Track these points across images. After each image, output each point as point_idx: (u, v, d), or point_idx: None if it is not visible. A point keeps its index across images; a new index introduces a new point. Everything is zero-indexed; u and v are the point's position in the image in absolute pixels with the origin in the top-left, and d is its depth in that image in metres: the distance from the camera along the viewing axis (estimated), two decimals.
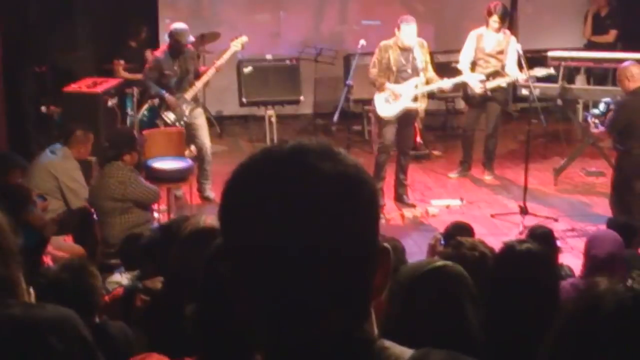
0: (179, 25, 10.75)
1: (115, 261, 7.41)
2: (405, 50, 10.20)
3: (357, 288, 1.53)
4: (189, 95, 10.67)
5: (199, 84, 10.81)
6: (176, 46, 10.61)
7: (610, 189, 9.89)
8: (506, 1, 13.67)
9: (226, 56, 11.05)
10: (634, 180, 9.33)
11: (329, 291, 1.49)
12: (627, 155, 9.31)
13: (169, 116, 10.59)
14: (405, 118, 10.44)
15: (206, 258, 2.68)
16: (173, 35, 10.62)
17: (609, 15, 14.12)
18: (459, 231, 7.02)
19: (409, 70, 10.30)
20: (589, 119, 10.23)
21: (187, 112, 10.64)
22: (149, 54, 12.20)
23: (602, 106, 10.18)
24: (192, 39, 10.80)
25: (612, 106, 9.88)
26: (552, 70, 11.25)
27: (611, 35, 13.98)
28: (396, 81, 10.23)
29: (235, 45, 11.10)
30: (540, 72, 10.85)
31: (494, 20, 11.01)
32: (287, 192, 1.48)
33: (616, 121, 9.34)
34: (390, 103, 10.25)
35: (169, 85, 10.62)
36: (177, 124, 10.58)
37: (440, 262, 3.63)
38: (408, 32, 10.09)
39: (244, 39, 11.14)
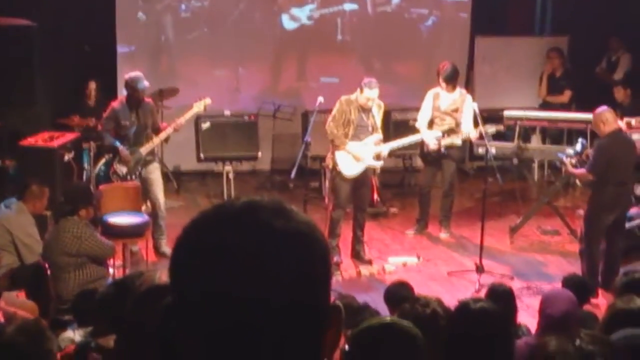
0: (133, 73, 10.69)
1: (69, 317, 7.32)
2: (365, 109, 10.28)
3: (307, 345, 1.52)
4: (144, 150, 10.60)
5: (156, 140, 10.72)
6: (133, 95, 10.51)
7: (581, 226, 10.21)
8: (462, 61, 13.90)
9: (187, 116, 10.96)
10: (604, 213, 9.66)
11: (281, 347, 1.49)
12: (601, 191, 9.67)
13: (121, 169, 10.52)
14: (363, 175, 10.48)
15: (158, 315, 2.66)
16: (128, 83, 10.56)
17: (563, 76, 14.34)
18: (399, 289, 7.07)
19: (369, 128, 10.36)
20: (565, 159, 10.43)
21: (139, 167, 10.57)
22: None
23: (578, 146, 10.55)
24: (146, 84, 10.61)
25: (588, 149, 10.33)
26: (501, 127, 11.38)
27: (566, 96, 14.18)
28: (354, 136, 10.28)
29: (198, 107, 11.01)
30: (490, 128, 10.95)
31: (441, 80, 11.19)
32: (238, 248, 1.48)
33: (598, 163, 9.68)
34: (353, 163, 10.30)
35: (126, 137, 10.55)
36: (128, 177, 10.52)
37: (389, 319, 3.64)
38: (370, 96, 10.17)
39: (207, 101, 11.07)
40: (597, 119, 9.88)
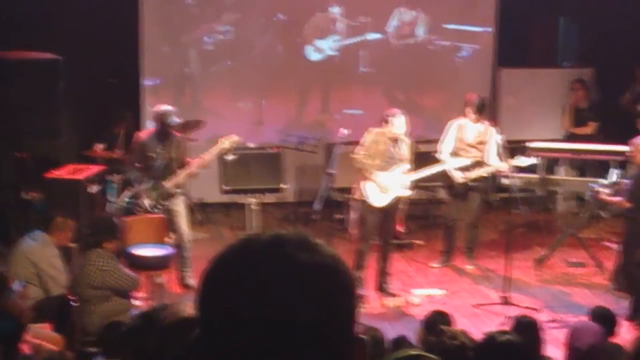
0: (164, 106, 10.73)
1: (94, 349, 7.32)
2: (395, 141, 10.29)
3: None
4: (168, 183, 10.61)
5: (181, 174, 10.72)
6: (162, 128, 10.57)
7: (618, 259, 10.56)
8: (486, 93, 13.89)
9: (213, 151, 10.92)
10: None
11: None
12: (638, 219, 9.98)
13: (145, 202, 10.55)
14: (391, 207, 10.47)
15: (184, 348, 2.66)
16: (158, 116, 10.60)
17: (588, 107, 14.30)
18: (439, 319, 7.02)
19: (398, 160, 10.37)
20: (598, 189, 10.63)
21: (162, 200, 10.58)
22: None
23: (614, 176, 10.95)
24: (176, 120, 10.71)
25: (624, 179, 10.73)
26: (534, 160, 11.36)
27: (590, 128, 14.13)
28: (382, 167, 10.29)
29: (224, 143, 10.96)
30: (524, 161, 10.96)
31: (469, 111, 11.18)
32: (264, 282, 1.48)
33: (636, 191, 9.93)
34: (381, 193, 10.30)
35: (151, 168, 10.57)
36: (151, 210, 10.53)
37: (414, 352, 3.62)
38: (398, 124, 10.20)
39: (234, 138, 10.99)
40: (636, 148, 10.22)
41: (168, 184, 10.59)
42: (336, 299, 1.53)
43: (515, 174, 10.81)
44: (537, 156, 12.00)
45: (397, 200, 10.60)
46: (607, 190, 10.50)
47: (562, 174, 13.05)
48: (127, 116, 13.34)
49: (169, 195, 10.62)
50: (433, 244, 12.55)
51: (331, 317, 1.51)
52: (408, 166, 10.49)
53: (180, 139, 10.86)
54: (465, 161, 11.13)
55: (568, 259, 11.84)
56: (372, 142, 10.32)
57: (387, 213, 10.52)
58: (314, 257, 1.52)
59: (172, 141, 10.66)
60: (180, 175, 10.69)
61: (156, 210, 10.52)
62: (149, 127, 13.52)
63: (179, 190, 10.81)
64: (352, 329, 1.56)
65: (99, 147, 12.81)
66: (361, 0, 14.86)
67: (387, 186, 10.31)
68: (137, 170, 10.62)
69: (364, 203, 10.40)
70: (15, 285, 7.84)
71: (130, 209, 10.74)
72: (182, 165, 10.70)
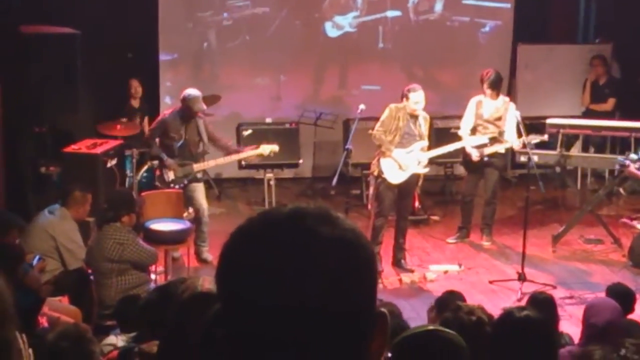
0: (193, 91, 10.68)
1: (111, 323, 7.37)
2: (413, 117, 10.28)
3: (354, 352, 1.52)
4: (197, 167, 10.70)
5: (211, 163, 10.85)
6: (186, 111, 10.61)
7: None
8: (505, 69, 13.83)
9: (251, 153, 11.09)
10: None
11: (328, 355, 1.48)
12: None
13: (168, 175, 10.58)
14: (408, 183, 10.47)
15: (204, 323, 2.66)
16: (185, 100, 10.60)
17: (607, 84, 14.23)
18: (452, 299, 7.02)
19: (416, 137, 10.35)
20: (628, 163, 10.58)
21: (186, 180, 10.63)
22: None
23: None
24: (203, 107, 10.74)
25: None
26: (545, 138, 11.31)
27: (609, 104, 14.07)
28: (400, 143, 10.27)
29: (264, 149, 11.05)
30: (534, 139, 10.91)
31: (485, 87, 11.15)
32: (285, 255, 1.48)
33: None
34: (398, 170, 10.29)
35: (171, 148, 10.62)
36: (172, 185, 10.57)
37: (432, 327, 3.62)
38: (417, 99, 10.17)
39: (275, 147, 11.11)
40: None
41: (196, 167, 10.64)
42: (358, 273, 1.52)
43: (533, 151, 10.75)
44: (555, 132, 11.97)
45: (415, 177, 10.58)
46: (637, 165, 10.50)
47: (575, 150, 13.01)
48: (138, 83, 13.38)
49: (194, 179, 10.69)
50: (450, 219, 12.55)
51: (352, 291, 1.50)
52: (426, 143, 10.47)
53: (203, 120, 10.87)
54: (483, 139, 11.10)
55: (585, 235, 11.81)
56: (390, 117, 10.30)
57: (404, 189, 10.51)
58: (335, 231, 1.52)
59: (197, 123, 10.70)
60: (210, 163, 10.77)
61: (176, 187, 10.56)
62: (166, 102, 13.58)
63: (203, 176, 10.94)
64: (373, 303, 1.56)
65: (121, 122, 12.79)
66: None
67: (404, 163, 10.29)
68: (158, 148, 10.66)
69: (381, 179, 10.40)
70: (34, 259, 7.87)
71: (148, 184, 10.78)
72: (215, 140, 10.79)
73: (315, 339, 1.47)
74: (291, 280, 1.46)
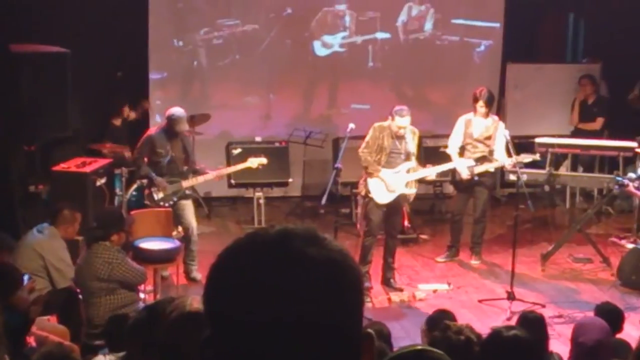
0: (177, 111, 10.74)
1: (99, 342, 7.34)
2: (399, 136, 10.28)
3: None
4: (186, 184, 10.73)
5: (200, 179, 10.87)
6: (170, 130, 10.66)
7: None
8: (495, 88, 13.86)
9: (239, 167, 11.26)
10: None
11: None
12: None
13: (157, 194, 10.59)
14: (396, 202, 10.47)
15: (190, 341, 2.66)
16: (170, 119, 10.64)
17: (595, 103, 14.28)
18: (442, 317, 7.03)
19: (402, 155, 10.36)
20: (626, 182, 10.70)
21: (175, 198, 10.65)
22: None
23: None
24: (187, 127, 10.91)
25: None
26: (537, 157, 11.34)
27: (598, 123, 14.11)
28: (387, 163, 10.28)
29: (252, 162, 11.17)
30: (526, 158, 10.93)
31: (480, 105, 11.15)
32: (272, 276, 1.48)
33: None
34: (385, 190, 10.29)
35: (159, 164, 10.63)
36: (162, 204, 10.58)
37: (420, 347, 3.62)
38: (402, 124, 10.16)
39: (263, 160, 11.24)
40: None
41: (185, 184, 10.67)
42: (344, 294, 1.52)
43: (523, 170, 10.78)
44: (544, 151, 12.01)
45: (403, 196, 10.58)
46: (635, 184, 10.56)
47: (564, 169, 13.06)
48: (123, 108, 13.38)
49: (183, 196, 10.71)
50: (439, 238, 12.56)
51: (339, 312, 1.51)
52: (413, 164, 10.47)
53: (186, 138, 10.95)
54: (470, 162, 11.12)
55: (574, 254, 11.83)
56: (373, 138, 10.30)
57: (393, 208, 10.52)
58: (322, 252, 1.52)
59: (180, 140, 10.75)
60: (199, 180, 10.79)
61: (166, 205, 10.56)
62: (157, 120, 13.57)
63: (192, 193, 10.96)
64: (359, 324, 1.56)
65: (106, 147, 12.80)
66: None
67: (391, 184, 10.30)
68: (147, 167, 10.67)
69: (368, 199, 10.41)
70: (23, 278, 7.84)
71: (137, 202, 10.78)
72: (191, 164, 10.80)
73: (302, 359, 1.47)
74: (278, 300, 1.46)
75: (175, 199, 10.64)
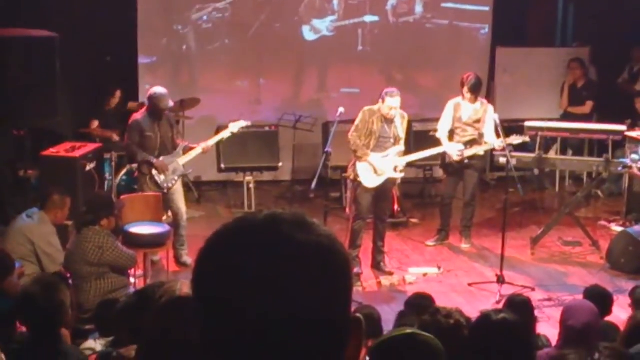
0: (159, 89, 10.70)
1: (90, 327, 7.34)
2: (388, 120, 10.27)
3: (329, 358, 1.53)
4: (182, 160, 10.71)
5: (192, 154, 10.83)
6: (155, 110, 10.61)
7: None
8: (484, 72, 13.87)
9: (221, 135, 11.22)
10: None
11: None
12: None
13: (160, 177, 10.54)
14: (384, 186, 10.47)
15: (179, 326, 2.67)
16: (152, 99, 10.59)
17: (585, 87, 14.29)
18: (420, 301, 7.08)
19: (391, 139, 10.36)
20: (630, 164, 10.82)
21: (176, 177, 10.64)
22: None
23: None
24: (171, 103, 10.79)
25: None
26: (527, 138, 11.35)
27: (587, 107, 14.13)
28: (376, 147, 10.28)
29: (233, 127, 11.16)
30: (516, 140, 10.93)
31: (465, 91, 11.16)
32: (260, 261, 1.49)
33: None
34: (374, 174, 10.30)
35: (151, 147, 10.59)
36: (165, 185, 10.55)
37: (409, 330, 3.63)
38: (393, 105, 10.15)
39: (242, 123, 11.24)
40: None
41: (182, 162, 10.65)
42: (332, 279, 1.53)
43: (512, 153, 10.78)
44: (533, 135, 12.02)
45: (392, 180, 10.58)
46: (638, 165, 10.63)
47: (553, 153, 13.09)
48: (114, 93, 13.33)
49: (182, 174, 10.71)
50: (429, 222, 12.57)
51: (327, 297, 1.51)
52: (402, 148, 10.47)
53: (171, 117, 10.92)
54: (460, 146, 11.13)
55: (564, 238, 11.86)
56: (363, 121, 10.30)
57: (381, 192, 10.52)
58: (310, 237, 1.52)
59: (167, 120, 10.72)
60: (192, 154, 10.77)
61: (169, 185, 10.54)
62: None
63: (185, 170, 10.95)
64: (348, 309, 1.57)
65: (95, 124, 12.82)
66: None
67: (380, 168, 10.30)
68: (143, 153, 10.58)
69: (357, 183, 10.41)
70: (14, 264, 7.83)
71: (127, 187, 10.75)
72: (173, 144, 10.76)
73: (290, 344, 1.48)
74: (266, 285, 1.47)
75: (176, 177, 10.63)
